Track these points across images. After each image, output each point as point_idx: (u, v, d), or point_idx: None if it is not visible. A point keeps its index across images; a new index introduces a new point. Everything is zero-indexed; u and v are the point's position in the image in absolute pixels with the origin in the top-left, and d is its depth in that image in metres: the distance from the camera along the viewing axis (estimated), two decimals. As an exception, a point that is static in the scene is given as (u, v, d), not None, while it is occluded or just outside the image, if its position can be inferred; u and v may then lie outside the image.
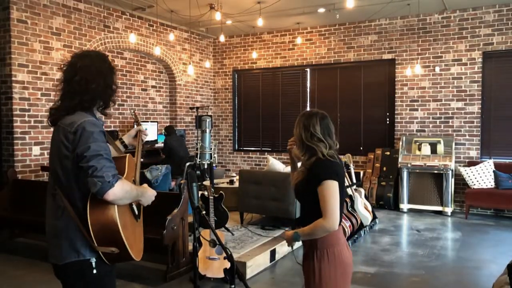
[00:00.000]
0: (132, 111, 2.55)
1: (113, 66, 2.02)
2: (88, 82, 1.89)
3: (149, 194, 2.01)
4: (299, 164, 2.40)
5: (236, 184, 6.68)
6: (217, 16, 6.90)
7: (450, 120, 7.58)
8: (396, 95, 8.02)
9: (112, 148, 2.16)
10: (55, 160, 1.87)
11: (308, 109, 2.40)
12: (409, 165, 7.36)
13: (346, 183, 6.08)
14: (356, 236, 5.64)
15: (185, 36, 8.94)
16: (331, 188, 2.13)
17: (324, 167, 2.17)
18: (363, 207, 6.09)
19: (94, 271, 1.84)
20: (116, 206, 1.78)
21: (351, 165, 6.56)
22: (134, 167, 2.09)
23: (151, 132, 7.84)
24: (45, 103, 6.24)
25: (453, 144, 7.36)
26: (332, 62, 8.61)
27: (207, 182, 6.70)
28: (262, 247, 4.88)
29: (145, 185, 2.06)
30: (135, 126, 2.41)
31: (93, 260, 1.83)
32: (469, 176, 6.96)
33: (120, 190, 1.76)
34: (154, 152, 7.89)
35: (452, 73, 7.55)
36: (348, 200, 5.84)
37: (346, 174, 6.21)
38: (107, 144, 1.86)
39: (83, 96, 1.89)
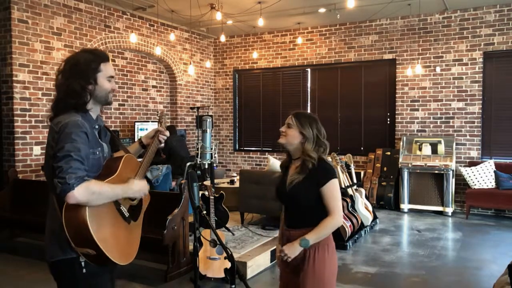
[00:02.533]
0: (160, 111, 2.48)
1: (97, 62, 1.92)
2: (61, 76, 1.91)
3: (134, 189, 1.92)
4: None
5: (237, 184, 6.68)
6: (218, 16, 6.90)
7: (451, 120, 7.58)
8: (396, 95, 8.02)
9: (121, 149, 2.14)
10: (46, 160, 1.88)
11: (302, 110, 2.44)
12: (409, 165, 7.35)
13: (347, 183, 6.08)
14: (356, 236, 5.64)
15: (185, 36, 8.94)
16: (337, 187, 2.24)
17: (329, 168, 2.27)
18: (363, 207, 6.09)
19: (84, 270, 1.84)
20: (87, 208, 1.73)
21: (352, 165, 6.56)
22: (135, 168, 2.03)
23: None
24: (46, 103, 6.25)
25: (454, 144, 7.36)
26: (332, 62, 8.60)
27: (207, 182, 6.70)
28: (262, 247, 4.88)
29: (134, 181, 1.95)
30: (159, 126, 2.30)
31: (82, 259, 1.83)
32: (469, 176, 6.95)
33: (83, 193, 1.69)
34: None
35: (453, 73, 7.55)
36: (348, 200, 5.84)
37: (347, 174, 6.22)
38: (87, 146, 1.81)
39: (59, 91, 1.90)
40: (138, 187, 1.94)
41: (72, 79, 1.88)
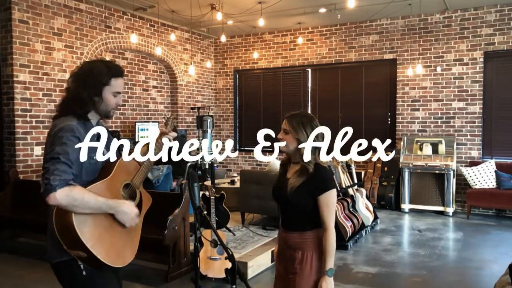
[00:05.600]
0: (168, 114, 2.46)
1: (108, 76, 1.94)
2: (72, 82, 1.94)
3: (124, 212, 1.87)
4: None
5: (237, 184, 6.68)
6: (218, 16, 6.90)
7: (452, 120, 7.57)
8: (397, 95, 8.01)
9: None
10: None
11: (297, 111, 2.36)
12: (410, 165, 7.35)
13: (347, 183, 6.08)
14: (357, 236, 5.63)
15: (186, 36, 8.94)
16: (334, 198, 2.19)
17: (327, 177, 2.20)
18: (364, 207, 6.09)
19: (84, 273, 1.85)
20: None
21: (352, 165, 6.56)
22: (133, 171, 2.03)
23: (152, 132, 7.84)
24: (47, 104, 6.26)
25: (455, 144, 7.35)
26: (333, 62, 8.60)
27: (208, 182, 6.71)
28: (263, 247, 4.88)
29: (128, 202, 1.93)
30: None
31: (81, 262, 1.83)
32: (470, 176, 6.95)
33: (64, 197, 1.70)
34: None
35: (453, 73, 7.54)
36: (349, 200, 5.84)
37: (348, 174, 6.22)
38: (77, 151, 1.82)
39: (66, 96, 1.93)
40: (128, 210, 1.90)
41: (81, 87, 1.91)
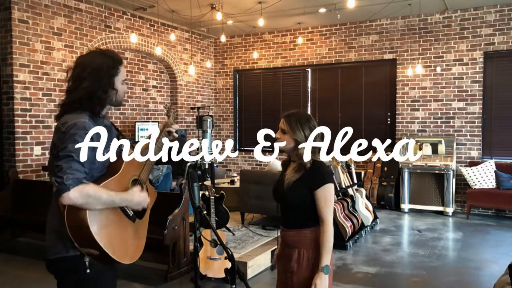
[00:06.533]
0: (169, 105, 2.42)
1: (116, 67, 1.94)
2: (81, 80, 1.88)
3: (135, 202, 1.91)
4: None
5: (237, 184, 6.68)
6: (218, 16, 6.90)
7: (451, 120, 7.58)
8: (397, 95, 8.02)
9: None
10: (50, 160, 1.87)
11: (295, 110, 2.36)
12: (410, 165, 7.35)
13: (347, 183, 6.08)
14: (357, 236, 5.64)
15: (186, 36, 8.94)
16: (331, 192, 2.17)
17: (324, 171, 2.19)
18: (364, 207, 6.09)
19: (88, 270, 1.83)
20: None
21: (352, 165, 6.56)
22: (140, 165, 2.03)
23: (152, 132, 7.83)
24: (46, 103, 6.26)
25: (454, 144, 7.36)
26: (333, 62, 8.60)
27: (208, 182, 6.70)
28: (263, 247, 4.88)
29: (135, 188, 1.94)
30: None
31: (87, 259, 1.82)
32: (470, 176, 6.95)
33: (78, 196, 1.70)
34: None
35: (453, 73, 7.55)
36: (349, 200, 5.84)
37: (347, 174, 6.22)
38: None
39: (77, 94, 1.88)
40: (138, 200, 1.93)
41: (96, 84, 1.88)
